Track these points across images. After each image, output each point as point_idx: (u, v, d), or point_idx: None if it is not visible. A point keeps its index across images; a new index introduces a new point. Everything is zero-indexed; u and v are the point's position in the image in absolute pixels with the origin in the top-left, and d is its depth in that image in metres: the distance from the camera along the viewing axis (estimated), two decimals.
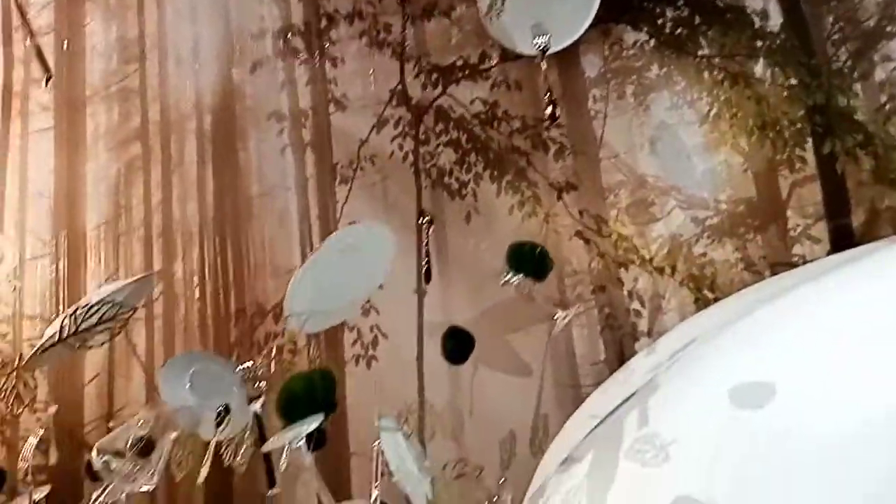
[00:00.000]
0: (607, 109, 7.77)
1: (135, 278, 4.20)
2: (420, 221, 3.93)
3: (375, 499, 3.20)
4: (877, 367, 2.71)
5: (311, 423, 3.30)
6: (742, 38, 7.23)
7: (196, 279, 7.33)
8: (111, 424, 5.44)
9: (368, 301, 6.98)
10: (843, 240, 6.68)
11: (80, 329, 3.51)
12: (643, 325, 7.26)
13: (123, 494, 3.37)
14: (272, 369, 3.78)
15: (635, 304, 7.26)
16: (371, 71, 7.56)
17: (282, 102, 7.70)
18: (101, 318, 3.54)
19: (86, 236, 7.23)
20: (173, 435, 3.39)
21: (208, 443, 3.41)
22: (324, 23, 7.63)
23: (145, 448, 3.31)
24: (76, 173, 7.31)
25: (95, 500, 3.31)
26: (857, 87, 7.41)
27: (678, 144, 7.35)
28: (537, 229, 7.19)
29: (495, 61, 7.42)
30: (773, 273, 6.32)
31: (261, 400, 3.53)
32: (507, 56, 7.00)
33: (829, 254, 6.33)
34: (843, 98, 6.98)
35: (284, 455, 3.45)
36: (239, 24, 7.71)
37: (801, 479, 2.59)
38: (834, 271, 3.21)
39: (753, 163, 7.46)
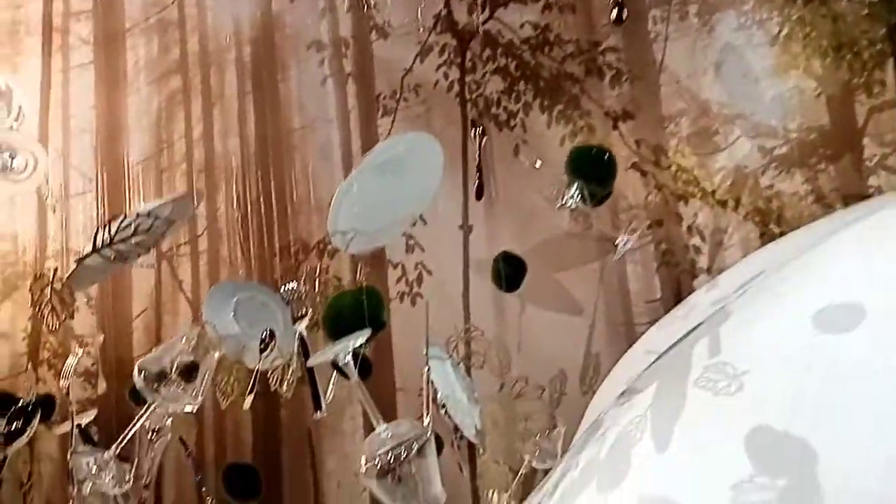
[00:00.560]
0: (668, 31, 7.33)
1: (172, 196, 4.16)
2: (472, 133, 3.72)
3: (429, 423, 3.06)
4: None
5: (359, 338, 3.17)
6: None
7: (238, 215, 7.27)
8: None
9: (412, 238, 6.91)
10: None
11: (114, 240, 3.43)
12: (703, 261, 7.02)
13: (167, 414, 3.31)
14: (317, 289, 3.73)
15: (695, 240, 7.03)
16: None
17: (322, 31, 7.49)
18: (135, 229, 3.46)
19: (128, 172, 7.21)
20: (216, 355, 3.29)
21: (253, 370, 3.36)
22: None
23: (189, 368, 3.19)
24: (117, 108, 7.28)
25: (139, 418, 3.25)
26: None
27: (745, 68, 7.02)
28: None
29: None
30: (846, 206, 5.94)
31: (306, 320, 3.45)
32: None
33: None
34: None
35: (332, 383, 3.37)
36: None
37: (891, 410, 2.40)
38: None
39: (827, 87, 7.03)
